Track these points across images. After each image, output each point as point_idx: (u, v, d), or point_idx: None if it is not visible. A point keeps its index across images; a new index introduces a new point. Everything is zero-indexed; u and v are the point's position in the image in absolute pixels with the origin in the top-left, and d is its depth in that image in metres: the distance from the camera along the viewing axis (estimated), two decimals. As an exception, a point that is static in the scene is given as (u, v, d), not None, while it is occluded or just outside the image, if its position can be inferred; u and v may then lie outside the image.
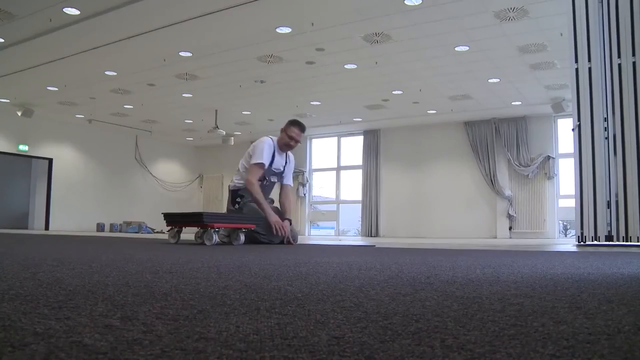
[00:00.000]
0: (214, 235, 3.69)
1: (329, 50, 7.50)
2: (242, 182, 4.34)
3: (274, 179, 4.48)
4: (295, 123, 4.47)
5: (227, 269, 1.55)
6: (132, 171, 14.38)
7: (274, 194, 4.60)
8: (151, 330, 0.61)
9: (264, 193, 4.34)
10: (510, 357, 0.51)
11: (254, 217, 4.11)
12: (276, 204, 4.58)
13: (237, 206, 4.32)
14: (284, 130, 4.44)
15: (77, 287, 1.02)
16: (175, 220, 4.03)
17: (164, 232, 13.05)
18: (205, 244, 3.71)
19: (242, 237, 3.93)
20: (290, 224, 4.30)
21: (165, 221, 4.01)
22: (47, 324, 0.63)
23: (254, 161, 4.25)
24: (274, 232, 4.09)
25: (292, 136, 4.38)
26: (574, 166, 4.60)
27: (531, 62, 7.83)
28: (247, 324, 0.66)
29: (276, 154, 4.40)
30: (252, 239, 4.16)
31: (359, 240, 7.31)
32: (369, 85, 9.31)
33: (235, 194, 4.35)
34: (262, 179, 4.33)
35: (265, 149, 4.29)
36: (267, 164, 4.28)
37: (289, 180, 4.62)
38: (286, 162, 4.53)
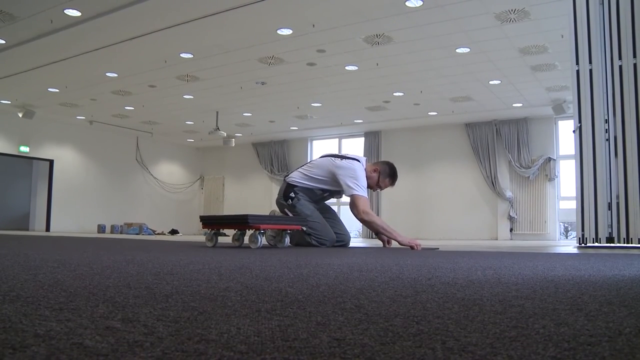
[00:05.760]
0: (259, 238, 3.50)
1: (330, 51, 7.51)
2: (304, 182, 4.18)
3: (337, 196, 4.37)
4: (392, 175, 4.27)
5: (227, 270, 1.55)
6: (133, 172, 14.39)
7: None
8: (152, 332, 0.61)
9: (317, 201, 4.25)
10: (511, 359, 0.51)
11: (302, 217, 3.98)
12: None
13: (289, 201, 4.15)
14: (377, 172, 4.22)
15: (78, 289, 1.02)
16: (214, 222, 3.86)
17: (164, 234, 13.07)
18: (242, 247, 3.62)
19: (287, 239, 3.80)
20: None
21: (201, 223, 3.84)
22: (48, 325, 0.63)
23: (359, 193, 4.00)
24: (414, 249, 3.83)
25: (381, 186, 4.27)
26: (574, 168, 4.59)
27: (532, 64, 7.83)
28: (248, 325, 0.66)
29: None
30: (300, 240, 4.06)
31: (359, 242, 7.31)
32: (369, 87, 9.31)
33: (291, 189, 4.18)
34: (324, 191, 4.21)
35: (364, 181, 4.10)
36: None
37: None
38: None
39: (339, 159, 4.20)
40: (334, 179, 4.12)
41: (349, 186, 4.01)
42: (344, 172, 4.06)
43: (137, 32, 6.76)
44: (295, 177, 4.25)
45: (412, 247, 3.82)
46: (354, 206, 4.05)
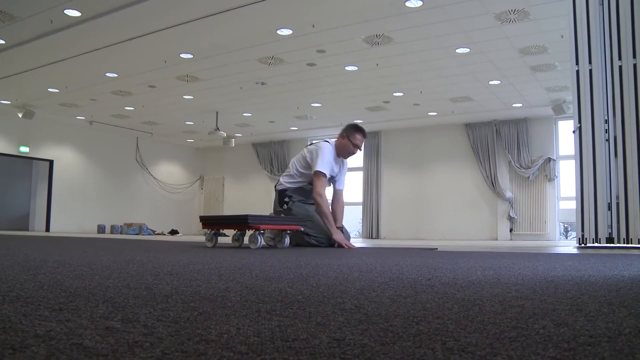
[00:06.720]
0: (259, 238, 3.51)
1: (330, 51, 7.51)
2: (292, 183, 4.26)
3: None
4: (358, 129, 4.32)
5: (227, 271, 1.55)
6: (132, 173, 14.39)
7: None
8: (152, 333, 0.61)
9: (308, 196, 4.27)
10: (511, 359, 0.51)
11: (301, 218, 3.99)
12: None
13: (285, 207, 4.22)
14: (345, 137, 4.28)
15: (78, 289, 1.02)
16: (214, 223, 3.87)
17: (164, 234, 13.07)
18: (242, 247, 3.62)
19: (287, 240, 3.82)
20: (342, 231, 4.25)
21: (201, 224, 3.86)
22: (48, 326, 0.63)
23: (319, 168, 4.09)
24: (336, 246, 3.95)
25: (356, 144, 4.27)
26: (574, 168, 4.59)
27: (532, 64, 7.83)
28: (247, 326, 0.66)
29: (333, 160, 4.27)
30: (300, 241, 4.09)
31: (360, 242, 7.31)
32: (369, 87, 9.31)
33: (283, 194, 4.26)
34: (310, 183, 4.23)
35: (329, 158, 4.18)
36: (329, 175, 4.17)
37: (341, 185, 4.47)
38: (340, 167, 4.39)
39: (309, 146, 4.41)
40: (310, 166, 4.23)
41: (314, 163, 4.15)
42: (311, 154, 4.25)
43: (137, 32, 6.76)
44: (283, 182, 4.36)
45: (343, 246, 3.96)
46: (313, 184, 4.17)
